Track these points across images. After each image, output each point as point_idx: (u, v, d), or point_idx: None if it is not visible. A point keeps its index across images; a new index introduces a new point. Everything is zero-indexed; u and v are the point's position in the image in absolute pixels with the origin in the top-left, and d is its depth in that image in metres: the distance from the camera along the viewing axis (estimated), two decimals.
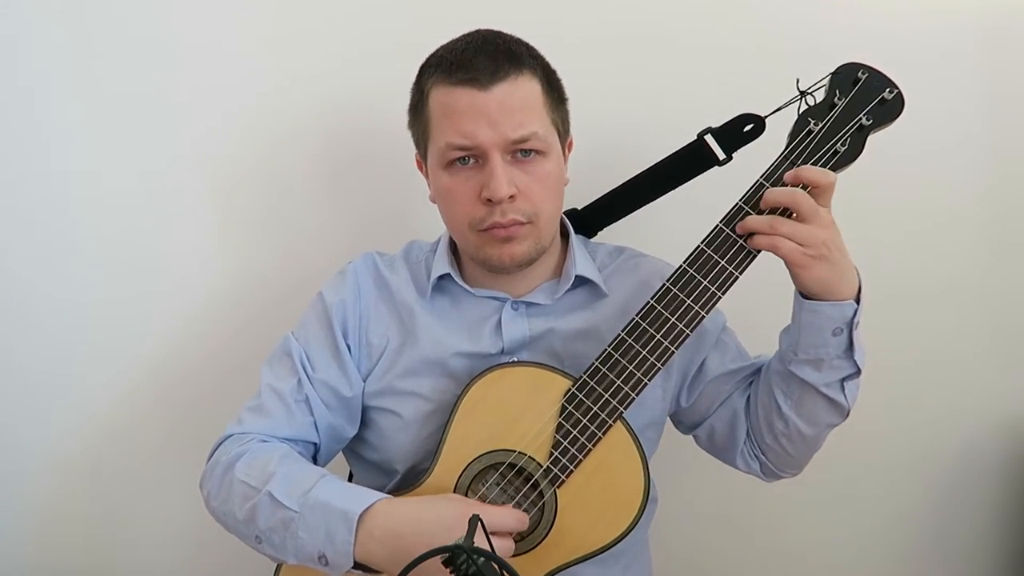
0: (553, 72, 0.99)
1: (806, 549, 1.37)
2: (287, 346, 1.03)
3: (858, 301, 0.90)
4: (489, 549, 0.68)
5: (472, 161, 0.94)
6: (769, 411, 0.99)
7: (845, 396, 0.95)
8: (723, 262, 0.91)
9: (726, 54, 1.24)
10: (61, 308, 1.27)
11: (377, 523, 0.85)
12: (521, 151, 0.94)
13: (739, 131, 1.04)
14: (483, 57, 0.92)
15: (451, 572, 0.65)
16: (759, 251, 0.90)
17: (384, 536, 0.85)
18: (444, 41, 0.98)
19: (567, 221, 1.09)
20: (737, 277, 0.91)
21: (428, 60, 0.98)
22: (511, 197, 0.93)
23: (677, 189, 1.09)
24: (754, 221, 0.89)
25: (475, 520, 0.69)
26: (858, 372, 0.93)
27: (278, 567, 0.99)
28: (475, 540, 0.67)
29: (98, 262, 1.27)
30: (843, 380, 0.94)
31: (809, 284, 0.88)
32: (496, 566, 0.65)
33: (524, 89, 0.93)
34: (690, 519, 1.31)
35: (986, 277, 1.34)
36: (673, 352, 0.91)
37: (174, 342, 1.29)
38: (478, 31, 0.97)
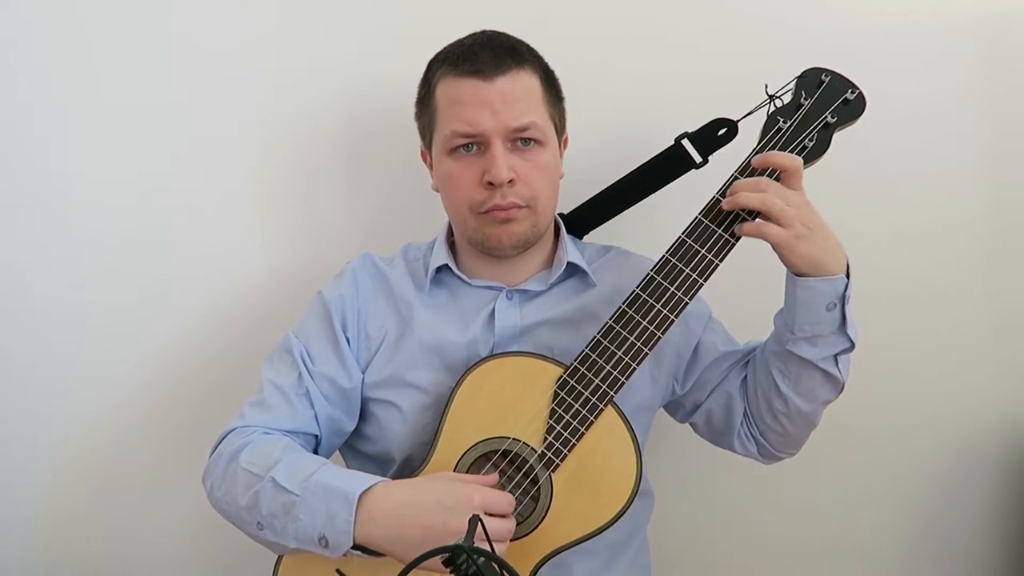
0: (551, 71, 1.06)
1: (805, 546, 1.38)
2: (287, 343, 1.06)
3: (848, 276, 0.94)
4: (488, 545, 0.70)
5: (475, 148, 1.01)
6: (768, 392, 1.03)
7: (839, 370, 0.98)
8: (703, 251, 0.96)
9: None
10: (62, 308, 1.27)
11: (377, 504, 0.87)
12: (521, 140, 1.01)
13: (714, 135, 1.10)
14: (488, 52, 1.00)
15: (451, 572, 0.66)
16: (738, 239, 0.95)
17: (383, 517, 0.87)
18: (446, 38, 1.05)
19: (559, 219, 1.14)
20: (717, 265, 0.96)
21: (435, 56, 1.05)
22: (510, 181, 0.99)
23: (658, 192, 1.15)
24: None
25: (475, 520, 0.71)
26: (852, 346, 0.97)
27: (277, 564, 1.00)
28: (476, 534, 0.68)
29: (98, 262, 1.28)
30: (837, 355, 0.98)
31: (798, 263, 0.92)
32: (496, 566, 0.66)
33: (524, 82, 1.01)
34: (689, 517, 1.31)
35: (986, 278, 1.35)
36: (659, 337, 0.95)
37: (176, 343, 1.30)
38: (483, 31, 1.04)
